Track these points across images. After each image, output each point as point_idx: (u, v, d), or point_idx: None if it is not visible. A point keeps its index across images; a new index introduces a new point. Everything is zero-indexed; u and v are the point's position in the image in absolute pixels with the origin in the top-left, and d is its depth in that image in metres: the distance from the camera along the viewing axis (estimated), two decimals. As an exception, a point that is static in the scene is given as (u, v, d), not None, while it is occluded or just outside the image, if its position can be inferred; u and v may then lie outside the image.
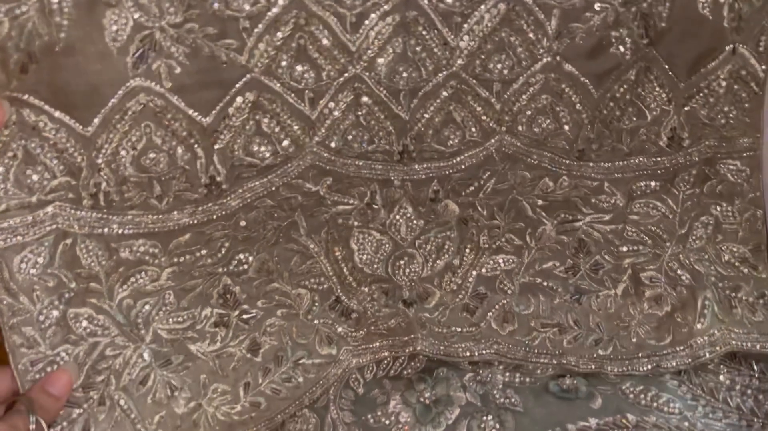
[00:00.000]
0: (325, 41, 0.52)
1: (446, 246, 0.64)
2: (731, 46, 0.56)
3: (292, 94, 0.54)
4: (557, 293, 0.65)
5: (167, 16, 0.49)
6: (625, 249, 0.64)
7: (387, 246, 0.63)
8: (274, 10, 0.50)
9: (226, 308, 0.59)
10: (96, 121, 0.49)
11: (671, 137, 0.60)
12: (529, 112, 0.58)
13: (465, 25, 0.54)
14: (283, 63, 0.52)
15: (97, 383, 0.53)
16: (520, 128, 0.59)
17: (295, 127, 0.55)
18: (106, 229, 0.52)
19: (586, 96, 0.58)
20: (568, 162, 0.60)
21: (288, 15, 0.51)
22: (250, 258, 0.59)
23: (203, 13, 0.49)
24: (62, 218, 0.51)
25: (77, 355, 0.52)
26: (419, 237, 0.63)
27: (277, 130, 0.54)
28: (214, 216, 0.55)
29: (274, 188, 0.56)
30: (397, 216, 0.62)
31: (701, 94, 0.59)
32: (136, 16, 0.48)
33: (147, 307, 0.56)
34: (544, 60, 0.56)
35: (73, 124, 0.49)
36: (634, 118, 0.59)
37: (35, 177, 0.49)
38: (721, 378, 0.64)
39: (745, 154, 0.61)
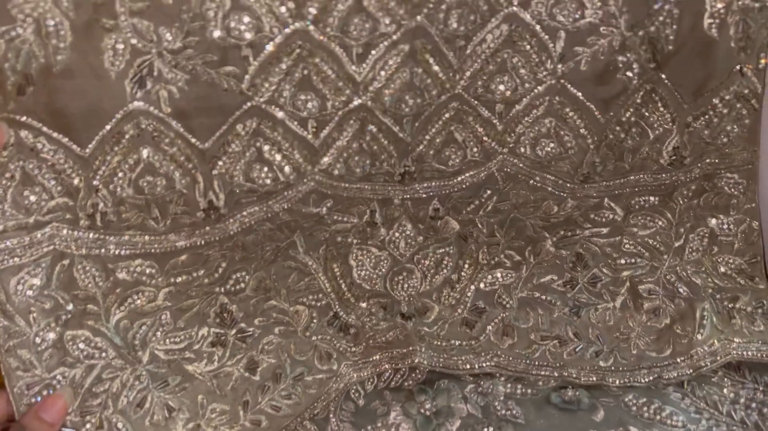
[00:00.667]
0: (330, 72, 0.51)
1: (445, 262, 0.63)
2: (738, 66, 0.56)
3: (295, 123, 0.53)
4: (556, 306, 0.65)
5: (165, 42, 0.48)
6: (622, 261, 0.65)
7: (385, 262, 0.62)
8: (277, 39, 0.49)
9: (223, 327, 0.58)
10: (93, 142, 0.49)
11: (673, 156, 0.61)
12: (532, 135, 0.58)
13: (468, 48, 0.53)
14: (286, 92, 0.51)
15: (94, 407, 0.52)
16: (522, 150, 0.58)
17: (297, 155, 0.54)
18: (103, 250, 0.52)
19: (591, 121, 0.58)
20: (571, 185, 0.60)
21: (291, 45, 0.50)
22: (248, 277, 0.58)
23: (203, 40, 0.48)
24: (59, 239, 0.50)
25: (73, 378, 0.51)
26: (418, 252, 0.63)
27: (278, 157, 0.54)
28: (212, 239, 0.54)
29: (273, 213, 0.55)
30: (396, 233, 0.61)
31: (706, 115, 0.59)
32: (134, 41, 0.47)
33: (144, 328, 0.55)
34: (548, 83, 0.56)
35: (70, 145, 0.49)
36: (637, 138, 0.60)
37: (33, 198, 0.49)
38: (725, 391, 0.64)
39: (743, 167, 0.62)
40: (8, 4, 0.44)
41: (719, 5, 0.53)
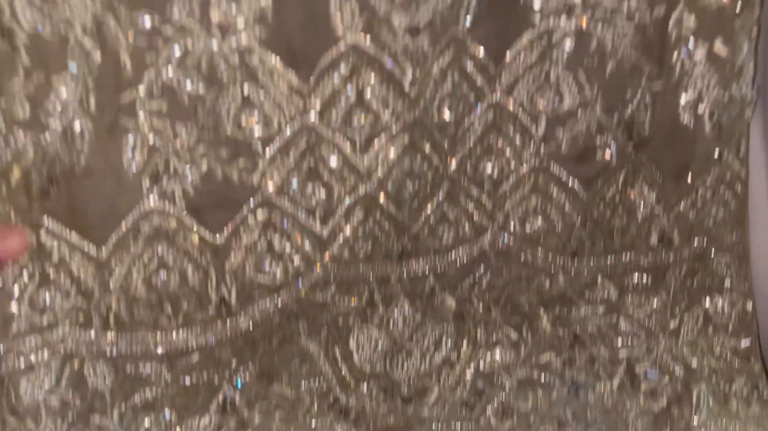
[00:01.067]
0: (335, 163, 0.54)
1: (443, 341, 0.64)
2: (716, 152, 0.58)
3: (303, 213, 0.55)
4: (555, 387, 0.65)
5: (181, 139, 0.51)
6: (619, 342, 0.65)
7: (385, 342, 0.63)
8: (286, 135, 0.53)
9: (224, 415, 0.59)
10: (110, 243, 0.51)
11: (661, 236, 0.62)
12: (520, 212, 0.60)
13: (458, 133, 0.56)
14: (294, 183, 0.54)
15: None
16: (512, 226, 0.60)
17: (306, 245, 0.56)
18: (114, 349, 0.53)
19: (575, 198, 0.60)
20: (561, 260, 0.62)
21: (299, 139, 0.53)
22: (251, 366, 0.59)
23: (216, 136, 0.51)
24: (71, 340, 0.51)
25: None
26: (416, 331, 0.63)
27: (288, 248, 0.55)
28: (224, 338, 0.55)
29: (283, 304, 0.57)
30: (395, 312, 0.62)
31: (689, 199, 0.61)
32: (152, 140, 0.50)
33: (147, 422, 0.55)
34: (532, 163, 0.58)
35: (88, 248, 0.51)
36: (625, 217, 0.61)
37: (49, 299, 0.50)
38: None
39: (733, 249, 0.63)
40: (39, 111, 0.47)
41: (691, 97, 0.56)
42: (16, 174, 0.47)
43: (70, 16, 0.44)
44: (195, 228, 0.53)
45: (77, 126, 0.48)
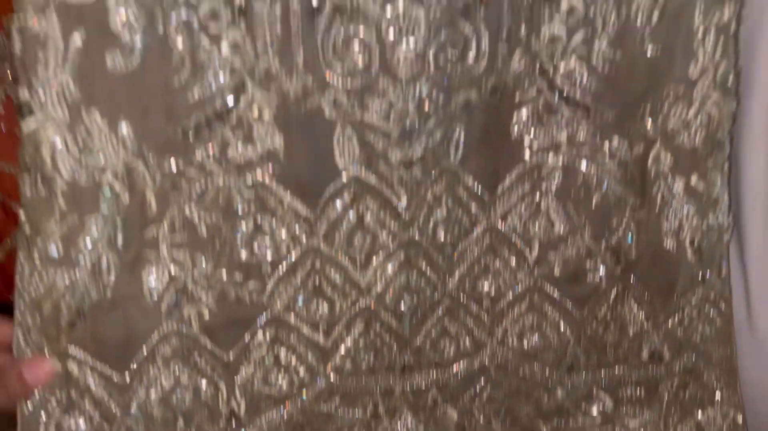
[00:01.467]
0: (337, 280, 0.58)
1: (447, 454, 0.66)
2: (699, 274, 0.61)
3: (308, 327, 0.58)
4: None
5: (199, 267, 0.54)
6: None
7: (389, 456, 0.65)
8: (293, 257, 0.56)
9: None
10: (132, 368, 0.53)
11: (652, 352, 0.65)
12: (517, 328, 0.63)
13: (455, 254, 0.60)
14: (300, 300, 0.58)
15: None
16: (510, 341, 0.63)
17: (310, 357, 0.59)
18: None
19: (569, 317, 0.63)
20: (558, 374, 0.64)
21: (305, 260, 0.57)
22: None
23: (230, 262, 0.55)
24: None
25: None
26: (419, 444, 0.66)
27: (293, 361, 0.58)
28: None
29: (289, 415, 0.59)
30: (399, 424, 0.64)
31: (677, 316, 0.64)
32: (172, 269, 0.54)
33: None
34: (527, 283, 0.62)
35: (112, 375, 0.53)
36: (617, 334, 0.64)
37: (73, 424, 0.52)
38: None
39: (722, 364, 0.65)
40: (71, 249, 0.50)
41: (672, 225, 0.60)
42: (47, 307, 0.49)
43: (104, 163, 0.48)
44: (209, 347, 0.55)
45: (104, 262, 0.50)
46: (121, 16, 0.46)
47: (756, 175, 0.63)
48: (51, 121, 0.46)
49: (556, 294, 0.63)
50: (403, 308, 0.60)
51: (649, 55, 0.55)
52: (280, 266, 0.56)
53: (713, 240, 0.58)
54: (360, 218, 0.57)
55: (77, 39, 0.46)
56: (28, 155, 0.47)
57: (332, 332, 0.59)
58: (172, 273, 0.54)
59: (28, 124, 0.46)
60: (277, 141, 0.54)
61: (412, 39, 0.51)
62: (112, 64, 0.47)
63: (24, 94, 0.46)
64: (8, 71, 0.71)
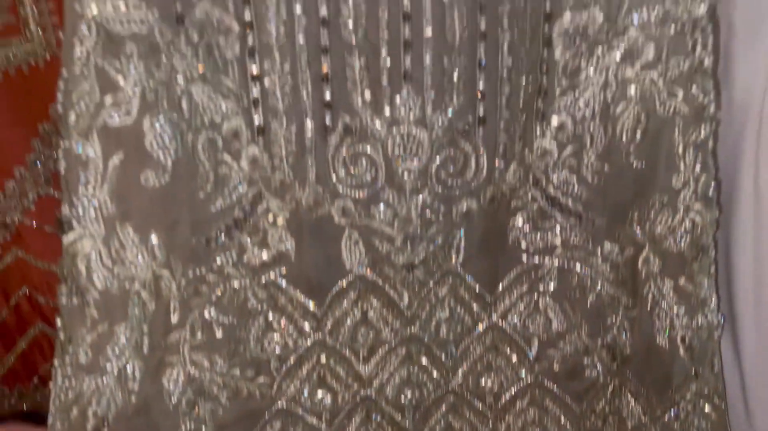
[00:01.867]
0: (341, 372, 0.62)
1: None
2: (692, 370, 0.63)
3: (312, 417, 0.62)
4: None
5: (215, 368, 0.58)
6: None
7: None
8: (300, 352, 0.60)
9: None
10: None
11: None
12: (520, 423, 0.66)
13: (458, 352, 0.63)
14: (305, 392, 0.61)
15: None
16: None
17: None
18: None
19: (568, 411, 0.66)
20: None
21: (311, 354, 0.61)
22: None
23: (243, 359, 0.59)
24: None
25: None
26: None
27: None
28: None
29: None
30: None
31: (672, 410, 0.65)
32: (190, 370, 0.57)
33: None
34: (528, 380, 0.65)
35: None
36: (616, 426, 0.67)
37: None
38: None
39: None
40: (99, 356, 0.52)
41: (663, 323, 0.63)
42: (74, 413, 0.52)
43: (134, 274, 0.52)
44: None
45: (129, 368, 0.53)
46: (156, 137, 0.51)
47: (745, 274, 0.66)
48: (88, 235, 0.50)
49: (556, 390, 0.65)
50: (403, 401, 0.63)
51: (634, 167, 0.59)
52: (288, 360, 0.60)
53: (704, 338, 0.61)
54: (364, 314, 0.61)
55: (116, 159, 0.50)
56: (65, 266, 0.51)
57: (334, 420, 0.62)
58: (191, 375, 0.57)
59: (68, 238, 0.50)
60: (289, 244, 0.58)
61: (416, 158, 0.56)
62: (146, 181, 0.52)
63: (66, 210, 0.50)
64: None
